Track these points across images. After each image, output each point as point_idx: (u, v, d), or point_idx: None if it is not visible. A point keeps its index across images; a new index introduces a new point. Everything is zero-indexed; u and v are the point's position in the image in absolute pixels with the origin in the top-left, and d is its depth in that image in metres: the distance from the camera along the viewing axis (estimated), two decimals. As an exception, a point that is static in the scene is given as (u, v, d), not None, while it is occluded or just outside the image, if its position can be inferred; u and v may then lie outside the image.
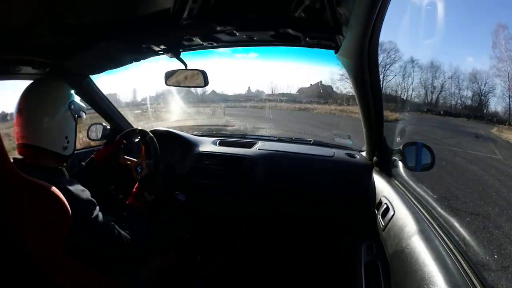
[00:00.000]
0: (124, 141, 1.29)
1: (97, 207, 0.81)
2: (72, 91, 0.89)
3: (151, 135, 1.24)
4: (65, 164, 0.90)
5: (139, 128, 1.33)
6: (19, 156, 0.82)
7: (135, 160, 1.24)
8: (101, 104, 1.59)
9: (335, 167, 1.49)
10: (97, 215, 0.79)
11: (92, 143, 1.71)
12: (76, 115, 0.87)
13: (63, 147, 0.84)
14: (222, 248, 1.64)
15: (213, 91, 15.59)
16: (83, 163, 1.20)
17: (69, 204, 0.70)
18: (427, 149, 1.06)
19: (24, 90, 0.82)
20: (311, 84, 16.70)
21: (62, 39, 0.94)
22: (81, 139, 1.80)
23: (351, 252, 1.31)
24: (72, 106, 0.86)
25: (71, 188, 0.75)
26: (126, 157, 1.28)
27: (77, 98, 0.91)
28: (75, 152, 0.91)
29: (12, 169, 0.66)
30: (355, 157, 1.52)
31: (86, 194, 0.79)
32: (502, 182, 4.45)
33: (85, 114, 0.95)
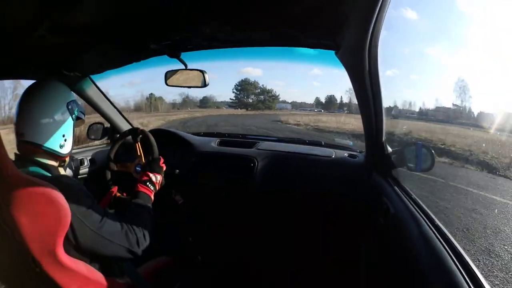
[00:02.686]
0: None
1: (96, 202, 0.79)
2: (70, 92, 0.90)
3: (147, 132, 1.25)
4: (63, 163, 0.90)
5: (135, 127, 1.34)
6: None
7: (132, 163, 1.24)
8: (101, 104, 1.60)
9: (335, 167, 1.49)
10: (96, 209, 0.77)
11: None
12: (74, 115, 0.88)
13: (60, 145, 0.85)
14: (222, 248, 1.64)
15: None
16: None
17: (67, 201, 0.70)
18: (427, 150, 1.06)
19: (25, 90, 0.84)
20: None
21: (62, 40, 0.95)
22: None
23: (352, 252, 1.31)
24: (70, 106, 0.87)
25: (69, 184, 0.75)
26: (121, 163, 1.28)
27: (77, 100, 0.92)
28: (80, 151, 0.90)
29: (11, 167, 0.66)
30: (355, 158, 1.52)
31: (83, 190, 0.78)
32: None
33: (84, 115, 0.96)
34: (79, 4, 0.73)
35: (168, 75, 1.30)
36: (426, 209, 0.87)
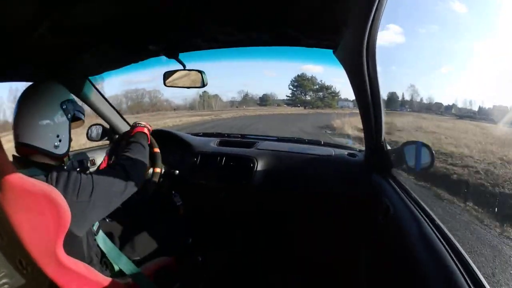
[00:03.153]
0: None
1: (82, 175, 0.80)
2: (67, 92, 0.89)
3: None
4: (62, 164, 0.90)
5: None
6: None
7: None
8: (100, 105, 1.60)
9: (334, 166, 1.49)
10: (86, 182, 0.79)
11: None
12: (69, 115, 0.87)
13: (54, 145, 0.83)
14: (223, 248, 1.63)
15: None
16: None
17: (65, 197, 0.70)
18: (426, 148, 1.06)
19: (21, 93, 0.83)
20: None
21: (62, 40, 0.95)
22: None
23: (352, 251, 1.31)
24: (65, 106, 0.85)
25: (58, 175, 0.75)
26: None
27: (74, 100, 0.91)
28: (79, 152, 0.90)
29: (10, 168, 0.66)
30: (355, 157, 1.52)
31: (79, 177, 0.78)
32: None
33: (83, 115, 0.95)
34: (79, 4, 0.74)
35: (167, 75, 1.31)
36: (426, 208, 0.87)
